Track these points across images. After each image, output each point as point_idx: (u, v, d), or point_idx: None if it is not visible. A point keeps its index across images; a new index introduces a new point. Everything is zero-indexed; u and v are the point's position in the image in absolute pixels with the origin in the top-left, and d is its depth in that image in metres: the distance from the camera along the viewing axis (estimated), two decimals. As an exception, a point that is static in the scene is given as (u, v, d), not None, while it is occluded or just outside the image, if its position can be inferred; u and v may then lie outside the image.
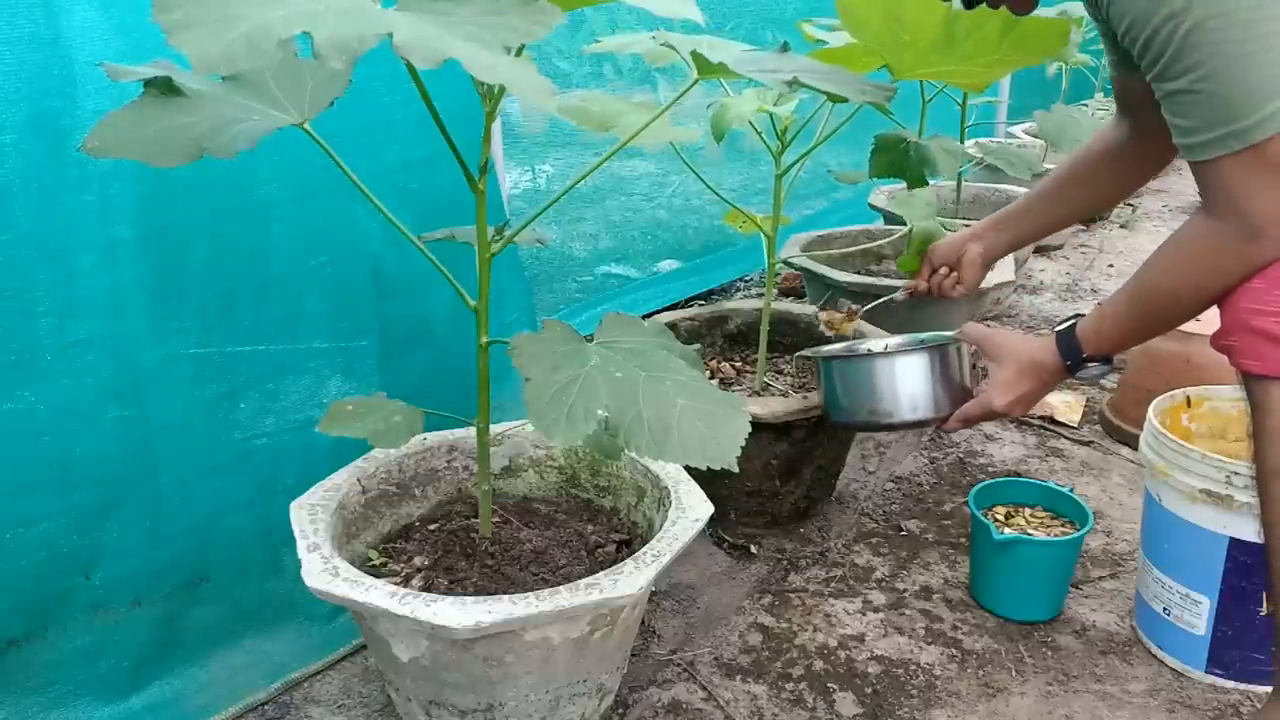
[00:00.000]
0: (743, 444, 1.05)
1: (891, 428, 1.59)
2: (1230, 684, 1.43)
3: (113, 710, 1.28)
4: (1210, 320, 2.19)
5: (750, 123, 1.67)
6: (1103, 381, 2.52)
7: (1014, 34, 1.39)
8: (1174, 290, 1.22)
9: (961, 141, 2.68)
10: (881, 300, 1.89)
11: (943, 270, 1.74)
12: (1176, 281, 1.22)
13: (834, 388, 1.57)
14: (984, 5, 1.30)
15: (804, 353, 1.72)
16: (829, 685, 1.45)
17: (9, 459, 1.16)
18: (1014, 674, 1.47)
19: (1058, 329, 1.36)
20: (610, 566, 1.15)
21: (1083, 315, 1.35)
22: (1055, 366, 1.37)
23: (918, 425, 1.57)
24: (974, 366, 1.53)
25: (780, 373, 1.95)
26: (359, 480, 1.36)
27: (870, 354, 1.57)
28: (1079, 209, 1.67)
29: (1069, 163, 1.61)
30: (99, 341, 1.20)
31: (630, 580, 1.10)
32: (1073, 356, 1.35)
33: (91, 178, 1.17)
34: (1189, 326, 2.06)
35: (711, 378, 1.91)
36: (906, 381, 1.50)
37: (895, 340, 1.77)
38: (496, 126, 1.31)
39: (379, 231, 1.47)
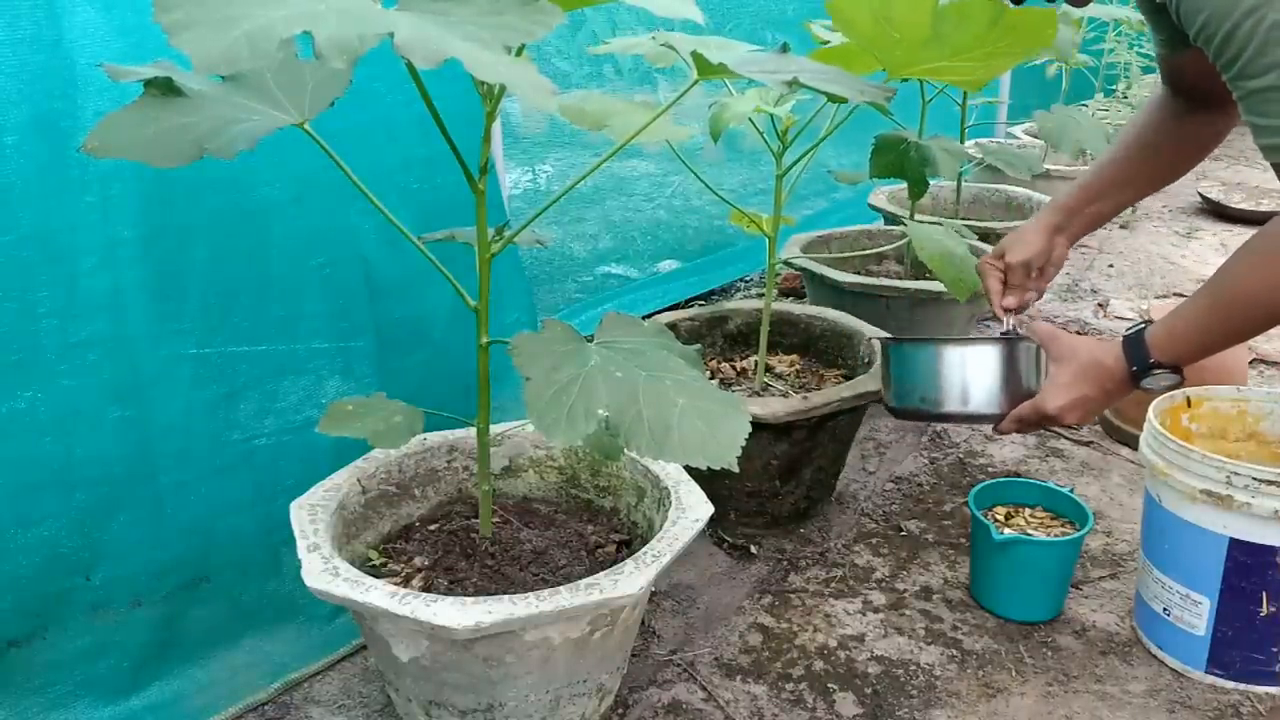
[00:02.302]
0: (743, 444, 1.05)
1: (943, 418, 1.54)
2: (1230, 684, 1.43)
3: (113, 710, 1.28)
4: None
5: (752, 123, 1.67)
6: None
7: (1001, 25, 1.38)
8: (1260, 293, 1.12)
9: (961, 142, 2.68)
10: (992, 336, 1.71)
11: (1032, 274, 1.55)
12: (1258, 284, 1.11)
13: (892, 371, 1.52)
14: None
15: (877, 338, 1.64)
16: (829, 685, 1.45)
17: (10, 459, 1.16)
18: (1014, 674, 1.47)
19: (1126, 333, 1.24)
20: (610, 567, 1.15)
21: (1151, 321, 1.24)
22: (1120, 373, 1.25)
23: (969, 419, 1.50)
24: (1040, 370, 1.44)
25: (780, 376, 1.95)
26: (359, 480, 1.36)
27: (933, 339, 1.49)
28: (1147, 186, 1.53)
29: (1131, 137, 1.49)
30: (100, 342, 1.20)
31: (630, 580, 1.10)
32: (1140, 362, 1.22)
33: (93, 179, 1.17)
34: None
35: (711, 378, 1.91)
36: (965, 372, 1.43)
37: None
38: (497, 126, 1.30)
39: (374, 232, 1.47)
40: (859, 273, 2.43)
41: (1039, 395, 1.33)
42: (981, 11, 1.36)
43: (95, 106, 1.15)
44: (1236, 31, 1.03)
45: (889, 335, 1.59)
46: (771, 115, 1.67)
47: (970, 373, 1.42)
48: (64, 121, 1.14)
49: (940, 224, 1.92)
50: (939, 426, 2.27)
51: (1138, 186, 1.53)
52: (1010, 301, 1.54)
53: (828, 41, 1.78)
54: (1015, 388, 1.40)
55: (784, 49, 1.28)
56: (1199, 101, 1.39)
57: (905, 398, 1.49)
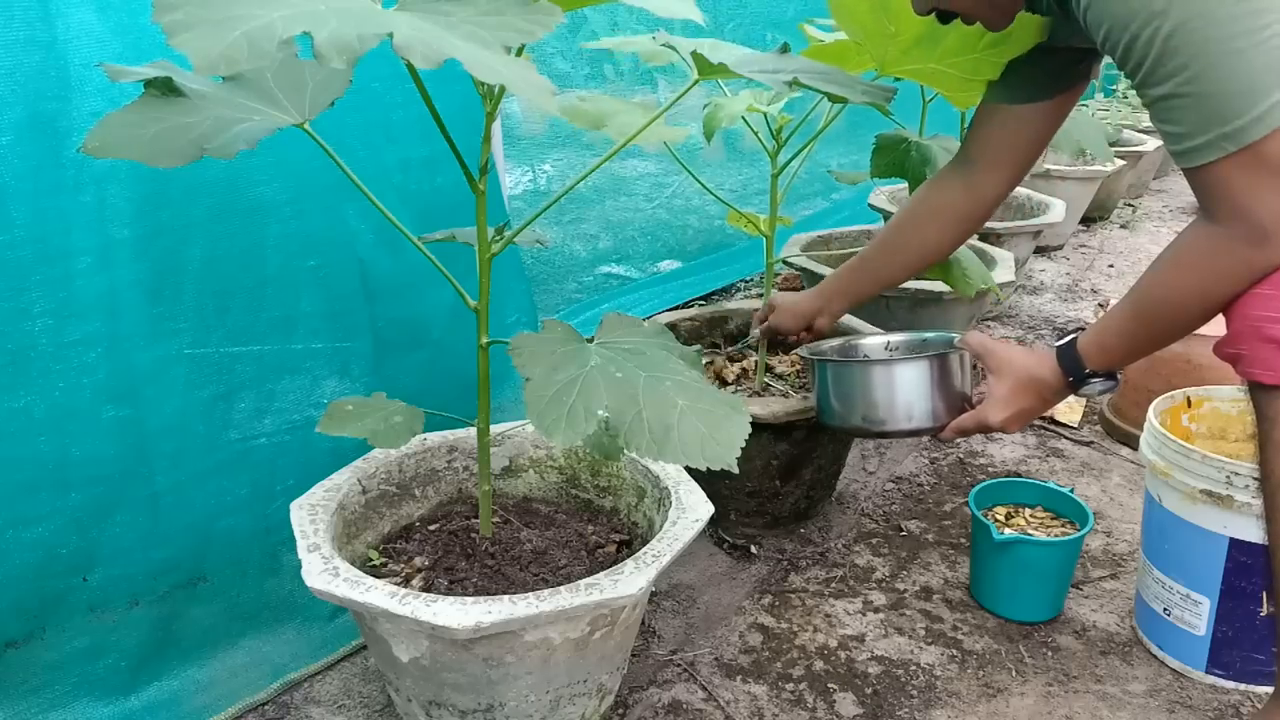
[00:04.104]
0: (743, 444, 1.05)
1: (885, 435, 1.56)
2: (1230, 684, 1.43)
3: (111, 711, 1.28)
4: (1213, 321, 2.19)
5: (748, 123, 1.67)
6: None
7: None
8: (1178, 301, 1.17)
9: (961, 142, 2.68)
10: (742, 344, 1.93)
11: (790, 337, 1.79)
12: (1181, 292, 1.16)
13: (828, 391, 1.55)
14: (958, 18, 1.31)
15: (801, 351, 1.71)
16: (829, 685, 1.45)
17: (6, 459, 1.16)
18: (1014, 674, 1.47)
19: (1058, 345, 1.31)
20: (610, 567, 1.15)
21: (1083, 329, 1.31)
22: (1057, 383, 1.32)
23: (912, 434, 1.54)
24: (974, 368, 1.51)
25: (781, 376, 1.95)
26: (359, 480, 1.36)
27: (867, 360, 1.54)
28: (914, 265, 1.66)
29: (900, 221, 1.64)
30: (96, 342, 1.20)
31: (630, 580, 1.10)
32: (1075, 373, 1.29)
33: (88, 179, 1.17)
34: (1189, 327, 2.08)
35: (711, 378, 1.91)
36: (903, 390, 1.47)
37: (896, 338, 1.75)
38: (497, 126, 1.30)
39: (370, 233, 1.47)
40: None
41: (982, 408, 1.39)
42: None
43: (90, 107, 1.15)
44: (1136, 41, 1.06)
45: (814, 353, 1.64)
46: (765, 115, 1.67)
47: (909, 391, 1.46)
48: (59, 122, 1.14)
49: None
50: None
51: (906, 268, 1.67)
52: (756, 334, 1.82)
53: (821, 41, 1.78)
54: (951, 397, 1.46)
55: (784, 49, 1.28)
56: (985, 169, 1.51)
57: (846, 418, 1.53)
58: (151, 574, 1.30)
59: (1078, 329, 1.32)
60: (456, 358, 1.59)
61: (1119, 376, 1.31)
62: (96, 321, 1.20)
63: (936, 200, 1.59)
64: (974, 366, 1.50)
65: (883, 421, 1.48)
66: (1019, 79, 1.43)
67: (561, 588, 1.09)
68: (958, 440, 2.19)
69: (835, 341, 1.76)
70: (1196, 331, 2.13)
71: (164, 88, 1.02)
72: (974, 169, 1.52)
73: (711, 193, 1.81)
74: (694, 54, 1.14)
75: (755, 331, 1.81)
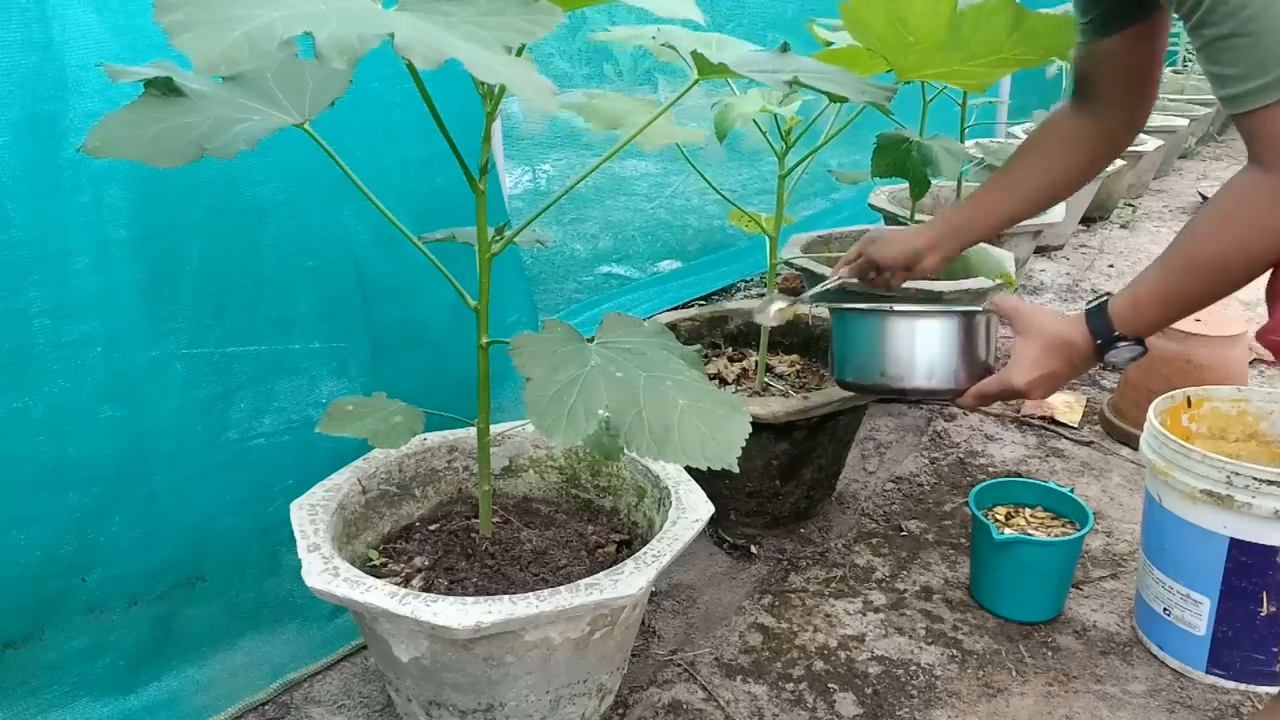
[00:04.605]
0: (743, 444, 1.05)
1: (903, 395, 1.46)
2: (1230, 684, 1.43)
3: (111, 710, 1.28)
4: (1212, 320, 2.19)
5: (756, 123, 1.67)
6: (1103, 382, 2.52)
7: (1021, 30, 1.36)
8: (1220, 256, 1.08)
9: (961, 141, 2.68)
10: (820, 289, 1.68)
11: (886, 274, 1.59)
12: (1223, 246, 1.07)
13: (847, 345, 1.44)
14: None
15: (814, 291, 1.58)
16: (829, 685, 1.45)
17: (4, 460, 1.16)
18: (1014, 674, 1.47)
19: (1088, 306, 1.24)
20: (610, 567, 1.15)
21: (1111, 294, 1.23)
22: (1085, 346, 1.23)
23: (931, 396, 1.42)
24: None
25: (781, 376, 1.95)
26: (359, 480, 1.36)
27: (891, 310, 1.41)
28: (1035, 199, 1.51)
29: (1021, 150, 1.50)
30: (94, 342, 1.20)
31: (630, 580, 1.10)
32: (1104, 335, 1.20)
33: (85, 180, 1.18)
34: (1189, 326, 2.08)
35: (712, 378, 1.91)
36: (926, 345, 1.37)
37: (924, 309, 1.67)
38: (497, 126, 1.30)
39: (368, 233, 1.47)
40: (859, 273, 2.43)
41: (1006, 370, 1.31)
42: (1002, 14, 1.34)
43: (87, 108, 1.16)
44: None
45: (837, 302, 1.51)
46: (776, 115, 1.66)
47: (932, 347, 1.37)
48: (56, 123, 1.15)
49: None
50: (940, 426, 2.26)
51: (1026, 201, 1.52)
52: (845, 273, 1.61)
53: (830, 43, 1.77)
54: (975, 360, 1.37)
55: (784, 49, 1.28)
56: (1103, 102, 1.39)
57: (864, 374, 1.42)
58: (150, 574, 1.30)
59: (1107, 293, 1.24)
60: (455, 358, 1.59)
61: (1146, 344, 1.23)
62: (94, 322, 1.20)
63: (1065, 129, 1.45)
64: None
65: (901, 378, 1.38)
66: (1095, 13, 1.32)
67: (561, 588, 1.09)
68: (961, 433, 2.19)
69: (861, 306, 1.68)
70: (1197, 332, 2.13)
71: (164, 88, 1.02)
72: (1096, 101, 1.40)
73: (719, 192, 1.80)
74: (694, 53, 1.14)
75: (840, 271, 1.61)
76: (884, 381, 1.40)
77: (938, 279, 2.23)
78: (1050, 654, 1.52)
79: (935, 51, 1.41)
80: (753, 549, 1.78)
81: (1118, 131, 1.42)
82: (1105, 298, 1.22)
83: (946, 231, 1.55)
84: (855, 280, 1.62)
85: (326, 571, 1.11)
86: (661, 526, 1.24)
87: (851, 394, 1.65)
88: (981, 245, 2.63)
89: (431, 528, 1.43)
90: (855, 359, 1.43)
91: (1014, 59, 1.39)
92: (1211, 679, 1.44)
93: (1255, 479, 1.31)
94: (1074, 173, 1.47)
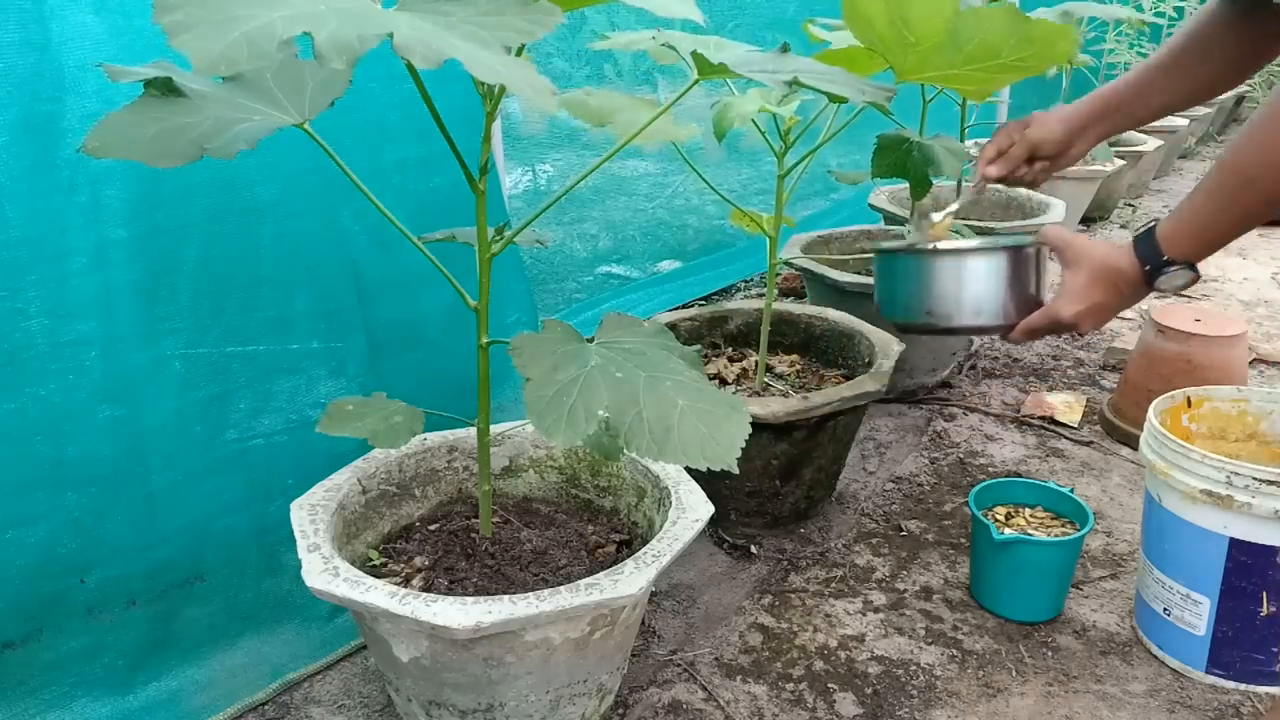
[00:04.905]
0: (743, 445, 1.05)
1: (950, 331, 1.45)
2: (1230, 684, 1.43)
3: (110, 710, 1.28)
4: (1212, 320, 2.19)
5: (754, 123, 1.67)
6: (1103, 382, 2.52)
7: (1020, 36, 1.36)
8: (1259, 166, 1.05)
9: (961, 141, 2.67)
10: (956, 206, 1.60)
11: (1036, 166, 1.48)
12: (1262, 156, 1.04)
13: (894, 284, 1.43)
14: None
15: (951, 209, 1.54)
16: (829, 685, 1.45)
17: (2, 460, 1.16)
18: (1014, 674, 1.47)
19: (1136, 233, 1.20)
20: (610, 567, 1.15)
21: (1158, 220, 1.20)
22: (1133, 273, 1.20)
23: (979, 332, 1.42)
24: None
25: (781, 376, 1.95)
26: (359, 480, 1.36)
27: (937, 249, 1.40)
28: (1193, 89, 1.41)
29: (1179, 39, 1.39)
30: (91, 342, 1.20)
31: (630, 580, 1.10)
32: (1152, 260, 1.17)
33: (83, 180, 1.18)
34: (1189, 326, 2.08)
35: (711, 378, 1.91)
36: (973, 282, 1.35)
37: (971, 242, 1.65)
38: (497, 126, 1.30)
39: (365, 234, 1.47)
40: (859, 273, 2.43)
41: (1054, 303, 1.28)
42: (1001, 18, 1.34)
43: (85, 109, 1.16)
44: None
45: (885, 246, 1.49)
46: (774, 115, 1.66)
47: (980, 283, 1.35)
48: (53, 124, 1.15)
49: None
50: (940, 426, 2.26)
51: (1180, 92, 1.43)
52: (994, 171, 1.48)
53: (826, 42, 1.77)
54: (1023, 295, 1.35)
55: (784, 49, 1.28)
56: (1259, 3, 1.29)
57: (910, 312, 1.40)
58: (149, 574, 1.30)
59: (1155, 219, 1.22)
60: (453, 358, 1.59)
61: (1198, 271, 1.19)
62: (92, 322, 1.20)
63: (1219, 28, 1.35)
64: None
65: (949, 316, 1.37)
66: None
67: (561, 588, 1.09)
68: (960, 433, 2.19)
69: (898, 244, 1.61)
70: (1197, 331, 2.13)
71: (164, 88, 1.02)
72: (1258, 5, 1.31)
73: (718, 193, 1.80)
74: (694, 54, 1.14)
75: (987, 171, 1.50)
76: (930, 320, 1.39)
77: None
78: (1050, 654, 1.52)
79: (935, 53, 1.41)
80: (753, 549, 1.78)
81: (1269, 32, 1.32)
82: (1153, 223, 1.19)
83: (1106, 110, 1.45)
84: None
85: (326, 571, 1.11)
86: (661, 526, 1.24)
87: (861, 402, 1.64)
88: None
89: (431, 528, 1.43)
90: (902, 298, 1.42)
91: (1012, 64, 1.39)
92: (1211, 679, 1.44)
93: (1255, 479, 1.31)
94: (1227, 75, 1.38)
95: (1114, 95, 1.44)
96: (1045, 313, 1.28)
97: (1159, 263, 1.17)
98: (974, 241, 1.50)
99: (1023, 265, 1.35)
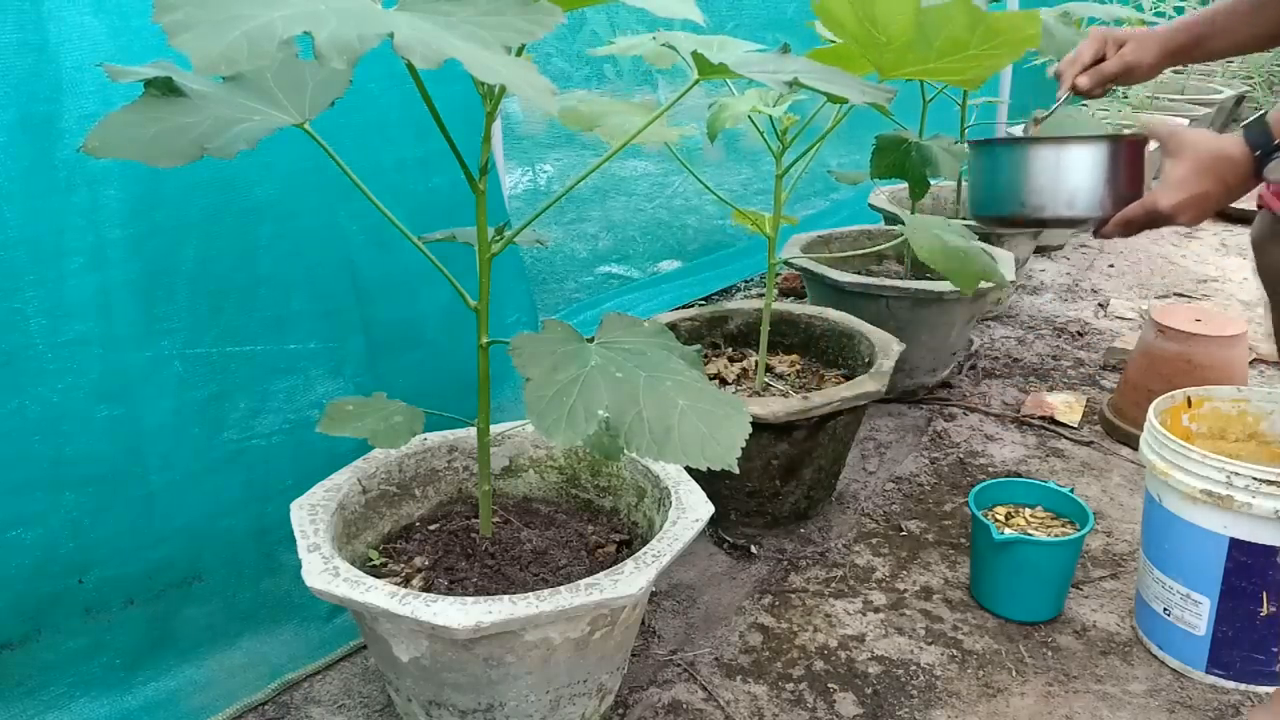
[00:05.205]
0: (743, 445, 1.05)
1: (1043, 223, 1.44)
2: (1230, 684, 1.43)
3: (109, 710, 1.28)
4: (1212, 320, 2.19)
5: (753, 123, 1.67)
6: (1103, 382, 2.52)
7: (981, 30, 1.37)
8: None
9: (961, 141, 2.67)
10: (1055, 106, 1.57)
11: (1110, 83, 1.46)
12: None
13: (987, 177, 1.41)
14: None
15: (971, 138, 1.53)
16: (829, 685, 1.45)
17: (1, 460, 1.16)
18: (1014, 674, 1.47)
19: (1244, 122, 1.17)
20: (610, 567, 1.15)
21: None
22: (1242, 160, 1.17)
23: (1073, 224, 1.40)
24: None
25: (781, 376, 1.95)
26: (359, 480, 1.36)
27: (1035, 139, 1.38)
28: (1266, 34, 1.40)
29: None
30: (90, 342, 1.21)
31: (630, 580, 1.10)
32: (1263, 145, 1.15)
33: (80, 180, 1.18)
34: (1189, 326, 2.08)
35: (711, 378, 1.91)
36: (1070, 173, 1.33)
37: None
38: (497, 126, 1.30)
39: (363, 234, 1.47)
40: (859, 273, 2.43)
41: (1151, 194, 1.25)
42: (960, 14, 1.36)
43: (81, 109, 1.16)
44: None
45: (982, 138, 1.47)
46: (770, 116, 1.66)
47: (1078, 174, 1.32)
48: (51, 124, 1.15)
49: (940, 220, 1.92)
50: (940, 426, 2.27)
51: (1256, 35, 1.42)
52: (1085, 82, 1.45)
53: (830, 40, 1.77)
54: (1120, 187, 1.32)
55: (784, 49, 1.28)
56: None
57: (1004, 204, 1.38)
58: (147, 574, 1.30)
59: (1264, 111, 1.19)
60: (451, 358, 1.59)
61: None
62: (90, 322, 1.20)
63: None
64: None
65: (1043, 207, 1.34)
66: None
67: (561, 588, 1.09)
68: (960, 433, 2.19)
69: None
70: (1197, 331, 2.13)
71: (164, 88, 1.02)
72: None
73: (714, 193, 1.81)
74: (694, 54, 1.14)
75: (1081, 80, 1.46)
76: (1024, 212, 1.36)
77: (928, 277, 2.23)
78: (1050, 654, 1.52)
79: (908, 50, 1.42)
80: (753, 549, 1.78)
81: None
82: (1263, 112, 1.16)
83: (1191, 41, 1.44)
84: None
85: (327, 571, 1.11)
86: (661, 526, 1.24)
87: (861, 402, 1.64)
88: (981, 246, 2.63)
89: (431, 528, 1.43)
90: (997, 191, 1.39)
91: (983, 55, 1.39)
92: (1211, 679, 1.44)
93: (1255, 479, 1.31)
94: None
95: (1198, 28, 1.42)
96: (1143, 203, 1.25)
97: (1270, 148, 1.15)
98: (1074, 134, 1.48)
99: (1122, 156, 1.31)
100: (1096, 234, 1.33)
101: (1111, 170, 1.31)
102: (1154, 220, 1.24)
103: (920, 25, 1.35)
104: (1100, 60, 1.44)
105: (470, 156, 1.13)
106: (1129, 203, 1.28)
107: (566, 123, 1.52)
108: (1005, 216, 1.40)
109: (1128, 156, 1.31)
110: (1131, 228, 1.27)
